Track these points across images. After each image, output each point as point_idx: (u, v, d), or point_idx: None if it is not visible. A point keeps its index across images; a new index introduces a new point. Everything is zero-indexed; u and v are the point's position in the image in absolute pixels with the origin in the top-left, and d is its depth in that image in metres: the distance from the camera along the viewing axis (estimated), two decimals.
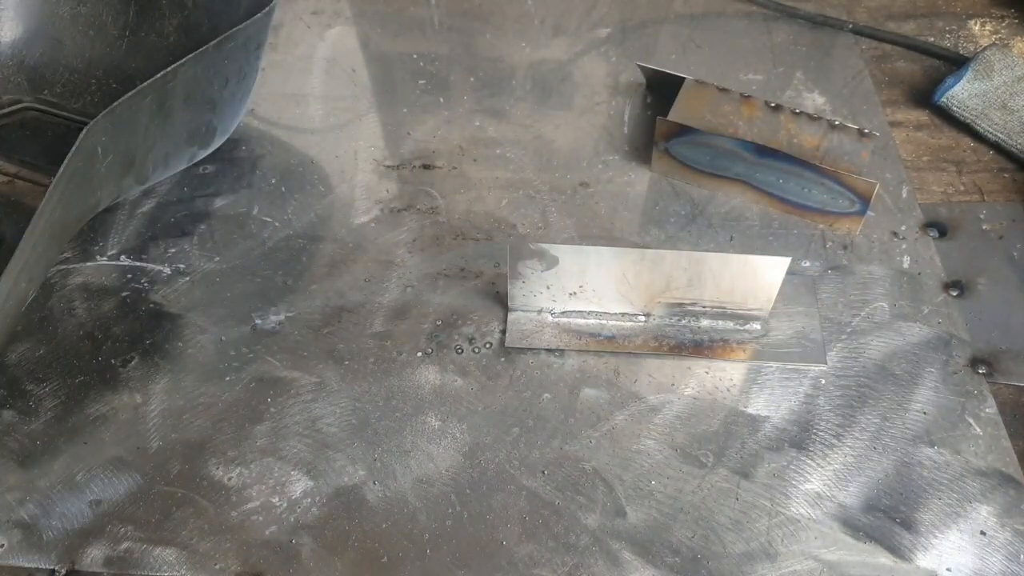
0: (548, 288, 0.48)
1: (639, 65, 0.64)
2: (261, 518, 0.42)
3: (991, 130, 0.59)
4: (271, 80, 0.66)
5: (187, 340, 0.49)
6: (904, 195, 0.57)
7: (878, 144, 0.60)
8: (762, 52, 0.68)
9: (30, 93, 0.62)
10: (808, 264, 0.53)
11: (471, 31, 0.71)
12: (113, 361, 0.48)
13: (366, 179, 0.59)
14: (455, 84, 0.66)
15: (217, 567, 0.41)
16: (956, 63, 0.65)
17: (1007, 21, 0.71)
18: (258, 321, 0.50)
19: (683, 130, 0.55)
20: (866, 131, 0.54)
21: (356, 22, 0.73)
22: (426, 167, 0.60)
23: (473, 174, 0.59)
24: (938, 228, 0.55)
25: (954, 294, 0.51)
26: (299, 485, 0.43)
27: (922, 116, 0.63)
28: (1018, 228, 0.55)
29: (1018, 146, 0.58)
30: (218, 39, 0.49)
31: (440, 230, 0.55)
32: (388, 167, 0.60)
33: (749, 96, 0.57)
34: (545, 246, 0.46)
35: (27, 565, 0.41)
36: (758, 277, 0.46)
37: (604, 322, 0.49)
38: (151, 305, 0.51)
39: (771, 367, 0.48)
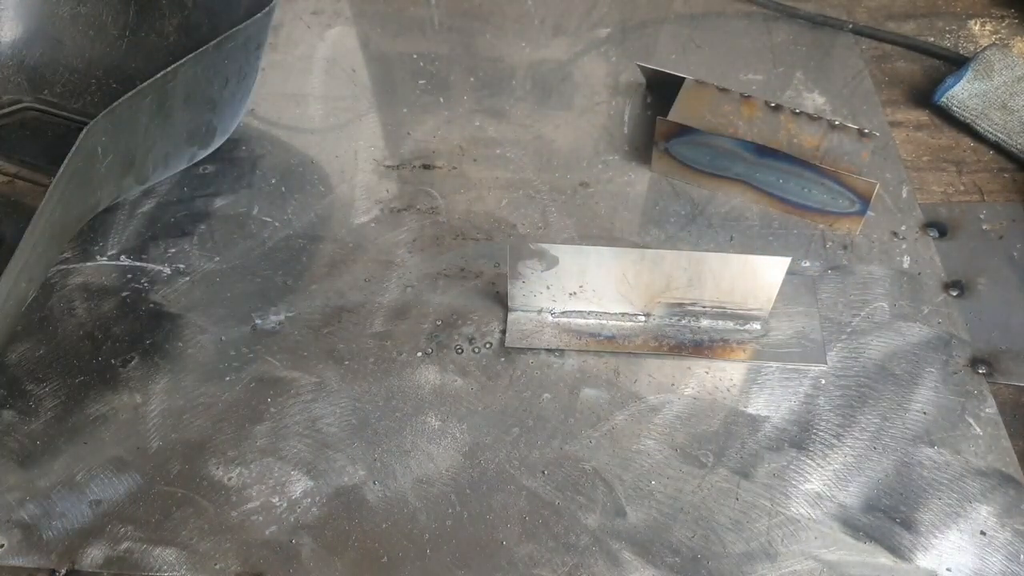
0: (548, 288, 0.48)
1: (639, 65, 0.64)
2: (261, 518, 0.42)
3: (991, 130, 0.59)
4: (271, 80, 0.66)
5: (187, 340, 0.49)
6: (904, 195, 0.57)
7: (878, 144, 0.60)
8: (762, 52, 0.68)
9: (30, 93, 0.62)
10: (808, 264, 0.53)
11: (471, 31, 0.71)
12: (113, 361, 0.48)
13: (366, 179, 0.59)
14: (455, 84, 0.66)
15: (217, 567, 0.41)
16: (956, 63, 0.65)
17: (1007, 21, 0.71)
18: (258, 321, 0.50)
19: (683, 130, 0.55)
20: (866, 131, 0.54)
21: (356, 22, 0.73)
22: (426, 167, 0.60)
23: (473, 174, 0.59)
24: (938, 228, 0.55)
25: (954, 294, 0.51)
26: (299, 485, 0.43)
27: (922, 116, 0.63)
28: (1018, 228, 0.55)
29: (1018, 146, 0.58)
30: (218, 39, 0.49)
31: (440, 230, 0.55)
32: (388, 167, 0.60)
33: (749, 96, 0.57)
34: (545, 246, 0.46)
35: (27, 565, 0.41)
36: (758, 277, 0.46)
37: (604, 322, 0.49)
38: (151, 305, 0.51)
39: (771, 367, 0.48)
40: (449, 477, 0.43)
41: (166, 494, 0.43)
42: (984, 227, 0.55)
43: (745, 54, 0.68)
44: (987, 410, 0.45)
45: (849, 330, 0.49)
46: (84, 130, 0.44)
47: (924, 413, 0.45)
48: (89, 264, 0.54)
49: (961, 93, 0.60)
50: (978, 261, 0.53)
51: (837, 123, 0.55)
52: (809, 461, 0.44)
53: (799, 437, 0.45)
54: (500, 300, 0.51)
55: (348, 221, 0.56)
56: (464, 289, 0.52)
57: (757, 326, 0.49)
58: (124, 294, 0.52)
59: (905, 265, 0.52)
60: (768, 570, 0.40)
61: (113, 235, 0.55)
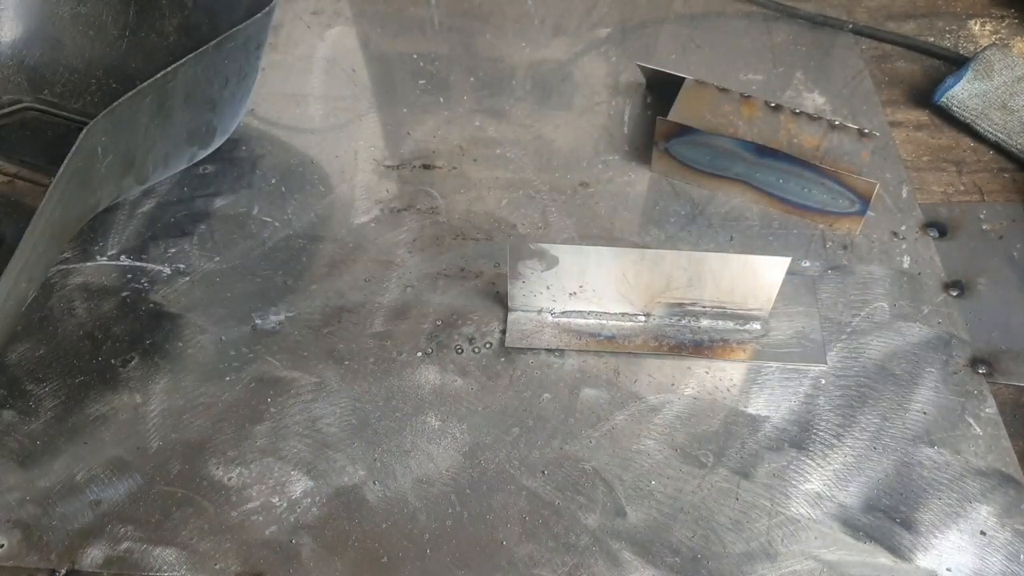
0: (548, 288, 0.48)
1: (639, 65, 0.64)
2: (261, 518, 0.42)
3: (991, 130, 0.59)
4: (271, 80, 0.66)
5: (187, 340, 0.49)
6: (904, 195, 0.57)
7: (878, 144, 0.60)
8: (762, 52, 0.68)
9: (30, 93, 0.62)
10: (808, 264, 0.53)
11: (471, 31, 0.71)
12: (113, 361, 0.48)
13: (366, 179, 0.59)
14: (455, 84, 0.66)
15: (217, 567, 0.41)
16: (956, 63, 0.65)
17: (1007, 21, 0.71)
18: (258, 321, 0.50)
19: (683, 130, 0.55)
20: (866, 131, 0.54)
21: (356, 22, 0.73)
22: (426, 167, 0.60)
23: (473, 174, 0.59)
24: (938, 228, 0.55)
25: (954, 294, 0.51)
26: (299, 485, 0.43)
27: (922, 116, 0.63)
28: (1018, 228, 0.55)
29: (1018, 146, 0.58)
30: (218, 39, 0.49)
31: (440, 230, 0.55)
32: (388, 167, 0.60)
33: (749, 96, 0.57)
34: (545, 246, 0.46)
35: (27, 565, 0.41)
36: (758, 277, 0.46)
37: (604, 322, 0.49)
38: (151, 305, 0.51)
39: (771, 367, 0.48)
40: (449, 477, 0.43)
41: (166, 494, 0.43)
42: (984, 227, 0.55)
43: (745, 54, 0.68)
44: (987, 410, 0.45)
45: (849, 330, 0.49)
46: (84, 130, 0.44)
47: (924, 413, 0.45)
48: (89, 264, 0.54)
49: (961, 93, 0.60)
50: (978, 261, 0.53)
51: (837, 123, 0.55)
52: (809, 461, 0.44)
53: (799, 437, 0.45)
54: (500, 300, 0.51)
55: (348, 221, 0.56)
56: (464, 289, 0.52)
57: (757, 326, 0.49)
58: (124, 294, 0.52)
59: (905, 265, 0.52)
60: (768, 570, 0.40)
61: (113, 235, 0.55)
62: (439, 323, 0.50)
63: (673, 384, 0.47)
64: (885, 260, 0.53)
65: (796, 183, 0.54)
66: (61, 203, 0.45)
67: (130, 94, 0.45)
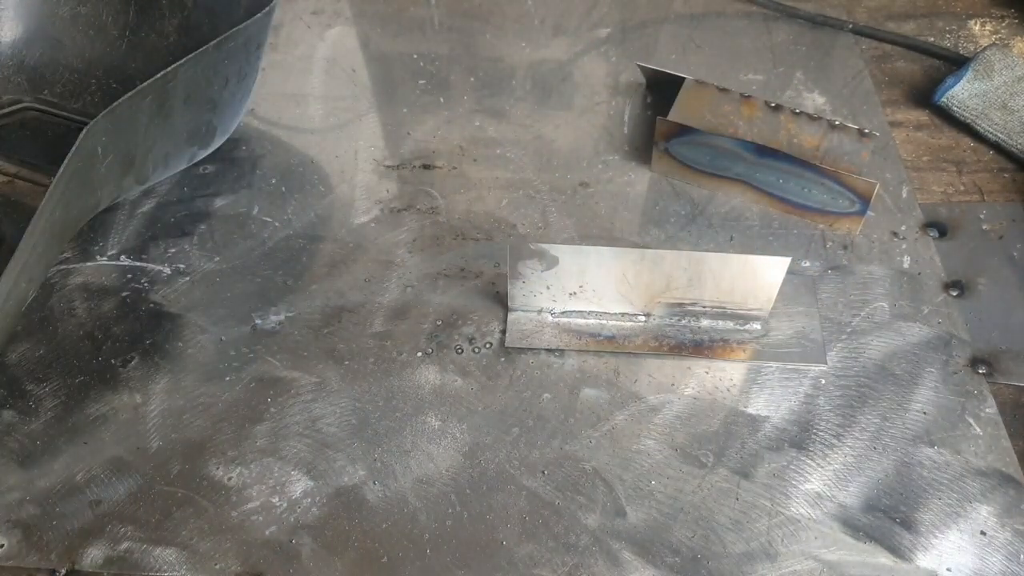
0: (548, 288, 0.48)
1: (639, 65, 0.64)
2: (261, 518, 0.42)
3: (991, 130, 0.59)
4: (271, 80, 0.66)
5: (187, 340, 0.49)
6: (904, 195, 0.57)
7: (878, 144, 0.60)
8: (762, 52, 0.68)
9: (30, 93, 0.62)
10: (808, 264, 0.53)
11: (471, 31, 0.71)
12: (113, 361, 0.48)
13: (366, 179, 0.59)
14: (455, 84, 0.66)
15: (217, 567, 0.41)
16: (956, 63, 0.65)
17: (1007, 21, 0.71)
18: (258, 321, 0.50)
19: (683, 130, 0.55)
20: (866, 131, 0.54)
21: (356, 22, 0.73)
22: (426, 167, 0.60)
23: (473, 174, 0.59)
24: (938, 228, 0.55)
25: (954, 294, 0.51)
26: (299, 485, 0.43)
27: (922, 116, 0.63)
28: (1018, 228, 0.55)
29: (1018, 146, 0.58)
30: (218, 39, 0.49)
31: (440, 230, 0.55)
32: (388, 167, 0.60)
33: (749, 96, 0.57)
34: (545, 246, 0.46)
35: (27, 565, 0.41)
36: (758, 277, 0.46)
37: (604, 322, 0.49)
38: (151, 305, 0.51)
39: (771, 367, 0.48)
40: (449, 477, 0.43)
41: (166, 494, 0.43)
42: (984, 227, 0.55)
43: (745, 54, 0.68)
44: (987, 410, 0.45)
45: (849, 330, 0.49)
46: (84, 130, 0.44)
47: (924, 413, 0.45)
48: (89, 264, 0.53)
49: (961, 93, 0.60)
50: (978, 261, 0.53)
51: (837, 123, 0.55)
52: (809, 461, 0.44)
53: (799, 437, 0.45)
54: (500, 300, 0.51)
55: (348, 221, 0.56)
56: (464, 289, 0.52)
57: (757, 326, 0.49)
58: (124, 294, 0.52)
59: (905, 265, 0.52)
60: (768, 570, 0.40)
61: (113, 235, 0.55)
62: (439, 323, 0.50)
63: (673, 384, 0.47)
64: (885, 260, 0.53)
65: (796, 183, 0.54)
66: (61, 203, 0.45)
67: (130, 94, 0.45)
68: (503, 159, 0.60)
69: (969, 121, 0.60)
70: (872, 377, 0.47)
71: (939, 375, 0.47)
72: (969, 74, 0.60)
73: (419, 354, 0.49)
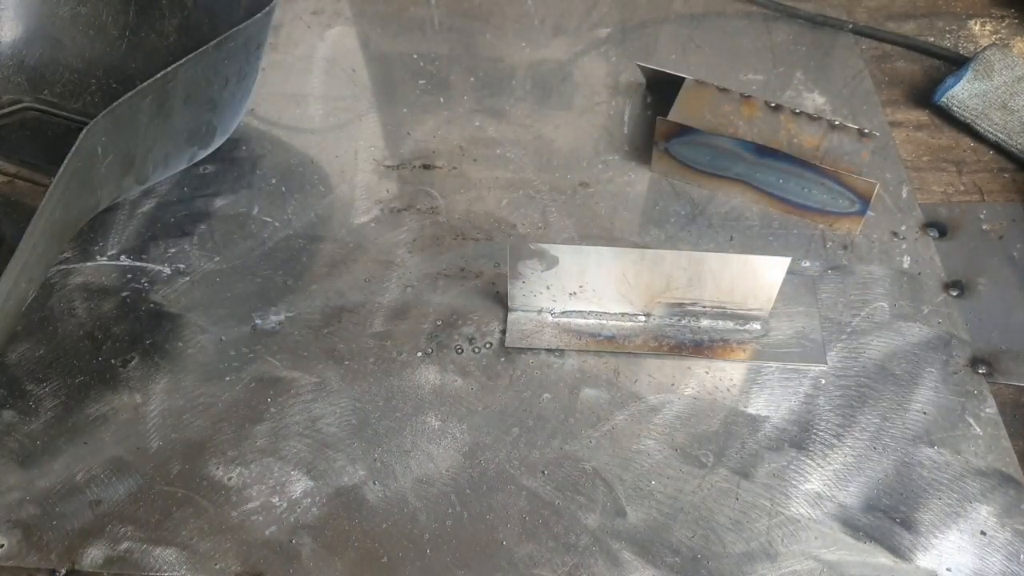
0: (548, 288, 0.48)
1: (639, 65, 0.64)
2: (261, 518, 0.42)
3: (991, 130, 0.59)
4: (271, 80, 0.66)
5: (187, 340, 0.49)
6: (904, 195, 0.57)
7: (878, 144, 0.60)
8: (762, 52, 0.68)
9: (30, 93, 0.62)
10: (808, 264, 0.53)
11: (471, 31, 0.71)
12: (113, 361, 0.48)
13: (366, 179, 0.59)
14: (455, 84, 0.66)
15: (217, 567, 0.41)
16: (956, 63, 0.65)
17: (1007, 21, 0.71)
18: (258, 321, 0.50)
19: (683, 130, 0.55)
20: (866, 131, 0.54)
21: (356, 22, 0.73)
22: (426, 167, 0.60)
23: (473, 174, 0.59)
24: (938, 228, 0.55)
25: (954, 294, 0.51)
26: (299, 485, 0.43)
27: (922, 116, 0.63)
28: (1018, 228, 0.55)
29: (1018, 146, 0.58)
30: (218, 39, 0.49)
31: (440, 230, 0.55)
32: (388, 167, 0.60)
33: (749, 96, 0.57)
34: (545, 246, 0.46)
35: (27, 565, 0.41)
36: (758, 277, 0.46)
37: (604, 322, 0.49)
38: (151, 305, 0.51)
39: (771, 367, 0.48)
40: (449, 477, 0.43)
41: (166, 494, 0.43)
42: (984, 227, 0.55)
43: (745, 54, 0.68)
44: (987, 410, 0.45)
45: (849, 330, 0.49)
46: (84, 130, 0.44)
47: (924, 413, 0.45)
48: (89, 264, 0.54)
49: (961, 93, 0.60)
50: (978, 261, 0.53)
51: (837, 123, 0.55)
52: (809, 461, 0.44)
53: (799, 437, 0.45)
54: (500, 300, 0.51)
55: (348, 221, 0.56)
56: (464, 289, 0.52)
57: (757, 326, 0.49)
58: (124, 294, 0.52)
59: (905, 265, 0.52)
60: (768, 570, 0.40)
61: (113, 235, 0.55)
62: (439, 323, 0.50)
63: (673, 384, 0.47)
64: (885, 260, 0.53)
65: (796, 183, 0.54)
66: (61, 203, 0.45)
67: (130, 94, 0.45)
68: (503, 159, 0.60)
69: (969, 121, 0.60)
70: (872, 377, 0.47)
71: (939, 375, 0.47)
72: (969, 74, 0.60)
73: (419, 354, 0.49)
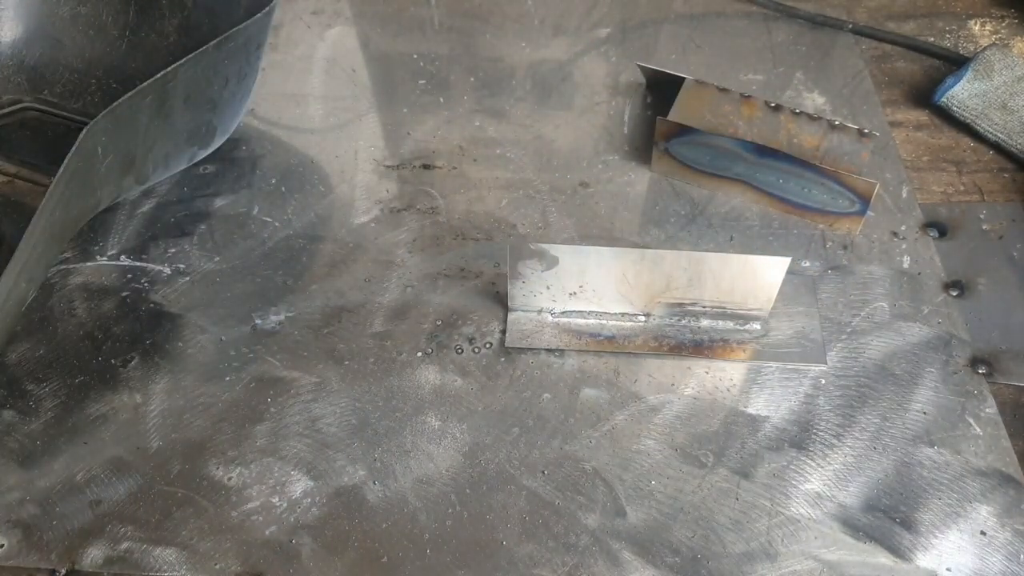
0: (548, 288, 0.48)
1: (639, 65, 0.64)
2: (261, 518, 0.42)
3: (991, 130, 0.59)
4: (271, 80, 0.66)
5: (187, 340, 0.49)
6: (904, 195, 0.57)
7: (878, 144, 0.60)
8: (762, 52, 0.68)
9: (30, 93, 0.62)
10: (808, 264, 0.53)
11: (471, 31, 0.71)
12: (113, 361, 0.48)
13: (366, 179, 0.59)
14: (455, 84, 0.66)
15: (217, 567, 0.41)
16: (956, 63, 0.65)
17: (1007, 21, 0.71)
18: (258, 321, 0.50)
19: (683, 130, 0.55)
20: (866, 131, 0.54)
21: (356, 22, 0.73)
22: (426, 167, 0.60)
23: (473, 174, 0.59)
24: (938, 228, 0.55)
25: (954, 294, 0.51)
26: (299, 485, 0.43)
27: (922, 116, 0.63)
28: (1018, 228, 0.55)
29: (1018, 146, 0.58)
30: (218, 39, 0.49)
31: (440, 230, 0.55)
32: (388, 167, 0.60)
33: (749, 96, 0.57)
34: (545, 246, 0.46)
35: (27, 565, 0.41)
36: (758, 277, 0.46)
37: (604, 322, 0.49)
38: (151, 305, 0.51)
39: (771, 367, 0.48)
40: (449, 477, 0.43)
41: (166, 494, 0.43)
42: (984, 227, 0.55)
43: (745, 54, 0.68)
44: (987, 410, 0.45)
45: (849, 330, 0.49)
46: (84, 130, 0.44)
47: (924, 413, 0.45)
48: (89, 264, 0.54)
49: (961, 93, 0.60)
50: (978, 261, 0.53)
51: (837, 123, 0.55)
52: (809, 461, 0.44)
53: (799, 437, 0.45)
54: (500, 300, 0.51)
55: (348, 221, 0.56)
56: (464, 289, 0.52)
57: (757, 326, 0.49)
58: (124, 294, 0.52)
59: (905, 265, 0.52)
60: (768, 570, 0.40)
61: (113, 235, 0.55)
62: (439, 323, 0.50)
63: (673, 384, 0.47)
64: (885, 260, 0.53)
65: (796, 183, 0.54)
66: (61, 203, 0.45)
67: (130, 94, 0.45)
68: (503, 159, 0.60)
69: (969, 121, 0.60)
70: (872, 377, 0.47)
71: (939, 375, 0.47)
72: (969, 74, 0.60)
73: (419, 354, 0.49)
